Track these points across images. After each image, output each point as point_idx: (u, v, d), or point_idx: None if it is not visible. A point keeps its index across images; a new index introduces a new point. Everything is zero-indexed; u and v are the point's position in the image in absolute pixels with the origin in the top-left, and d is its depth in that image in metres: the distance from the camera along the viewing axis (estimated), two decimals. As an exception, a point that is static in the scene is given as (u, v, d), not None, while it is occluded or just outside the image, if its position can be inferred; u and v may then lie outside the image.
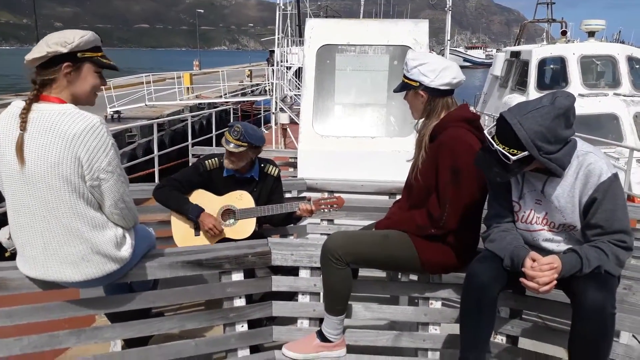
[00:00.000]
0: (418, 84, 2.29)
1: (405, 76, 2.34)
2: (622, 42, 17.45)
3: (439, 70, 2.27)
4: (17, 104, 1.95)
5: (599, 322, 1.84)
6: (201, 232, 3.13)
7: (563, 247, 2.06)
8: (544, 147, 1.86)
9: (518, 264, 1.97)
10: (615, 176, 1.94)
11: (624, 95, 10.18)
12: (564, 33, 14.08)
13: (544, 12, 19.48)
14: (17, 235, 2.01)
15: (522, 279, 1.94)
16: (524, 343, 2.37)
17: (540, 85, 11.36)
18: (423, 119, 2.37)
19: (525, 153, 1.86)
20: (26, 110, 1.88)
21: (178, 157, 10.45)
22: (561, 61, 11.26)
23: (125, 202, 2.06)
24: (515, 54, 13.04)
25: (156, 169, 7.74)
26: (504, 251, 2.04)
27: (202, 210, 3.05)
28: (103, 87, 2.12)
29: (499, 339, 2.34)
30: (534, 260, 1.94)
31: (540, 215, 2.08)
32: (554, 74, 11.71)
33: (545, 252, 2.05)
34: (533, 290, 1.93)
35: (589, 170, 1.94)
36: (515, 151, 1.87)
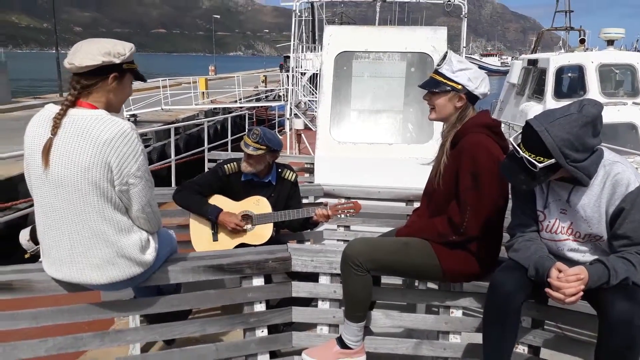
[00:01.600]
0: (461, 87, 2.28)
1: (445, 76, 2.29)
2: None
3: (480, 79, 2.29)
4: (51, 107, 1.98)
5: (627, 334, 1.81)
6: (219, 237, 3.15)
7: (588, 257, 2.04)
8: (571, 155, 1.85)
9: (543, 274, 1.95)
10: None
11: (644, 105, 10.06)
12: (582, 41, 13.96)
13: (562, 20, 19.33)
14: (44, 236, 2.04)
15: (547, 290, 1.91)
16: (545, 354, 2.35)
17: (558, 94, 11.27)
18: (448, 124, 2.36)
19: (552, 161, 1.85)
20: (61, 116, 1.92)
21: (193, 161, 10.51)
22: (579, 69, 11.17)
23: (151, 207, 2.09)
24: (533, 62, 12.96)
25: (173, 175, 7.80)
26: (528, 261, 2.03)
27: (220, 210, 3.08)
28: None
29: (521, 349, 2.32)
30: (560, 271, 1.91)
31: (565, 225, 2.07)
32: (571, 82, 11.62)
33: (570, 262, 2.04)
34: (559, 301, 1.91)
35: (616, 180, 1.93)
36: (542, 159, 1.86)
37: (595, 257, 2.02)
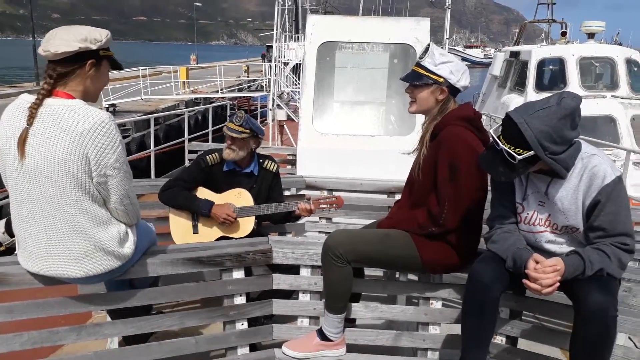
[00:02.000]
0: (443, 80, 2.28)
1: (427, 69, 2.29)
2: (621, 44, 17.52)
3: (462, 72, 2.29)
4: (26, 97, 1.93)
5: (602, 324, 1.85)
6: (200, 229, 3.13)
7: (565, 249, 2.07)
8: (550, 147, 1.87)
9: (520, 266, 1.98)
10: (619, 179, 1.95)
11: (622, 98, 10.22)
12: (563, 34, 14.12)
13: (544, 12, 19.50)
14: (19, 229, 2.00)
15: (525, 281, 1.94)
16: (523, 344, 2.38)
17: (539, 86, 11.38)
18: (429, 117, 2.35)
19: (531, 153, 1.87)
20: (37, 105, 1.87)
21: (173, 152, 10.41)
22: (560, 62, 11.29)
23: (130, 198, 2.06)
24: (515, 54, 13.06)
25: (152, 166, 7.71)
26: (506, 252, 2.05)
27: (213, 203, 3.05)
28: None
29: (499, 340, 2.35)
30: (537, 262, 1.94)
31: (543, 217, 2.09)
32: (552, 74, 11.74)
33: (547, 253, 2.06)
34: (536, 292, 1.93)
35: (593, 173, 1.95)
36: (521, 150, 1.88)
37: (572, 248, 2.05)
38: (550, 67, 11.77)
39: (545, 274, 1.89)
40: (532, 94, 11.36)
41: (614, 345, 1.96)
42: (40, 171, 1.87)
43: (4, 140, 1.91)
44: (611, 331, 1.87)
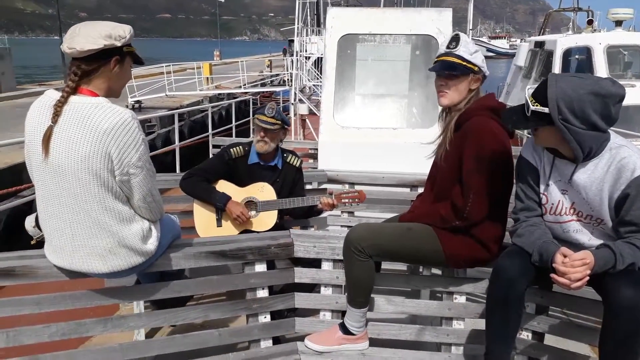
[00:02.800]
0: (478, 69, 2.25)
1: (463, 58, 2.23)
2: (651, 32, 16.98)
3: (484, 61, 2.30)
4: (51, 94, 1.95)
5: (632, 319, 1.79)
6: (223, 223, 3.15)
7: (595, 241, 2.01)
8: (566, 114, 1.82)
9: (547, 260, 1.93)
10: None
11: (651, 86, 9.92)
12: (590, 22, 13.76)
13: (570, 0, 19.00)
14: (45, 223, 2.03)
15: (553, 275, 1.89)
16: (550, 340, 2.33)
17: (566, 76, 11.10)
18: (456, 108, 2.29)
19: (546, 109, 1.83)
20: (62, 103, 1.88)
21: (197, 147, 10.53)
22: (587, 51, 11.02)
23: (153, 196, 2.07)
24: (540, 44, 12.79)
25: (177, 161, 7.80)
26: (532, 246, 2.01)
27: (229, 198, 3.07)
28: None
29: (525, 335, 2.31)
30: (565, 256, 1.89)
31: (568, 204, 2.04)
32: (579, 64, 11.46)
33: (576, 246, 2.01)
34: (564, 287, 1.88)
35: (622, 165, 1.88)
36: (538, 105, 1.85)
37: (601, 241, 1.99)
38: (577, 56, 11.50)
39: (573, 268, 1.84)
40: (558, 85, 11.08)
41: None
42: (64, 168, 1.89)
43: (30, 137, 1.94)
44: None
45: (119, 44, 1.94)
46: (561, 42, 11.54)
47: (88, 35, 1.90)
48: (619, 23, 12.10)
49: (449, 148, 2.27)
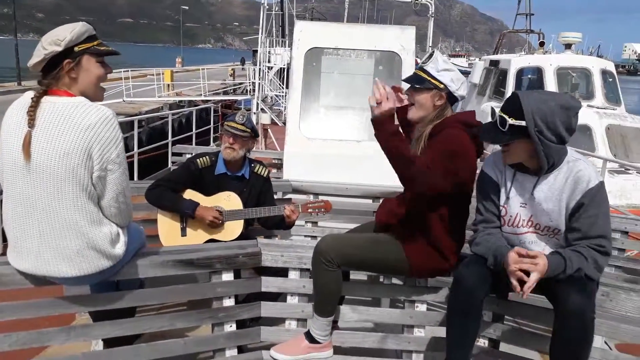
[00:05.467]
0: (444, 86, 2.33)
1: (430, 74, 2.33)
2: (601, 56, 18.00)
3: (461, 82, 2.35)
4: (31, 94, 1.96)
5: (580, 325, 1.92)
6: (188, 232, 3.14)
7: (548, 250, 2.14)
8: (541, 126, 1.96)
9: (501, 261, 2.05)
10: (602, 184, 2.04)
11: (597, 107, 10.49)
12: (541, 44, 14.48)
13: (524, 23, 19.90)
14: (12, 226, 2.00)
15: (509, 269, 1.99)
16: (504, 347, 2.44)
17: (518, 94, 11.59)
18: (424, 122, 2.36)
19: (522, 122, 1.97)
20: (33, 108, 1.89)
21: (156, 156, 10.35)
22: (538, 71, 11.57)
23: (125, 197, 2.08)
24: (494, 63, 13.32)
25: (135, 168, 7.67)
26: (488, 252, 2.13)
27: (198, 204, 3.07)
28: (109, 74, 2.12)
29: (482, 342, 2.41)
30: (519, 255, 2.01)
31: (526, 217, 2.17)
32: (530, 83, 12.01)
33: None
34: (517, 286, 1.97)
35: (578, 177, 2.04)
36: (514, 119, 1.98)
37: (550, 242, 2.14)
38: (529, 76, 12.04)
39: (524, 261, 1.98)
40: (511, 103, 11.54)
41: (591, 348, 2.04)
42: (41, 166, 1.88)
43: (5, 136, 1.94)
44: (589, 332, 1.94)
45: (59, 48, 1.92)
46: (515, 61, 12.07)
47: (37, 49, 1.93)
48: (568, 46, 12.78)
49: (423, 150, 2.31)
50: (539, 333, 2.42)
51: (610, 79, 11.73)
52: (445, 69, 2.33)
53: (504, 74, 12.29)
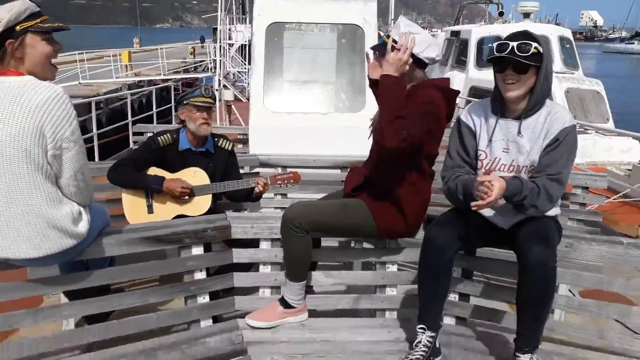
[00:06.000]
0: None
1: (394, 40, 2.28)
2: (559, 24, 18.35)
3: (427, 44, 2.32)
4: None
5: (542, 275, 2.00)
6: (155, 209, 3.09)
7: None
8: (549, 57, 2.13)
9: (469, 188, 2.12)
10: (575, 127, 2.15)
11: (556, 72, 10.74)
12: (501, 14, 14.68)
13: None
14: None
15: (477, 186, 2.04)
16: (474, 300, 2.52)
17: (479, 63, 11.79)
18: None
19: (540, 48, 2.09)
20: None
21: (117, 135, 10.08)
22: (498, 40, 11.68)
23: (84, 174, 2.02)
24: (456, 34, 13.44)
25: (95, 148, 7.48)
26: (459, 185, 2.20)
27: (164, 178, 3.01)
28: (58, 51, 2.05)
29: (453, 297, 2.48)
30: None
31: (507, 162, 2.22)
32: (491, 52, 12.16)
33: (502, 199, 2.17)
34: (483, 198, 2.00)
35: (556, 117, 2.14)
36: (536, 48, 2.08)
37: None
38: (490, 45, 12.18)
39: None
40: (473, 71, 11.77)
41: (555, 295, 2.13)
42: None
43: None
44: (550, 281, 2.02)
45: (0, 28, 1.86)
46: (475, 31, 12.21)
47: None
48: (526, 15, 12.98)
49: None
50: (507, 286, 2.51)
51: (568, 45, 12.00)
52: (407, 32, 2.30)
53: (465, 44, 12.44)
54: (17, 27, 1.89)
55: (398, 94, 2.13)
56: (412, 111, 2.17)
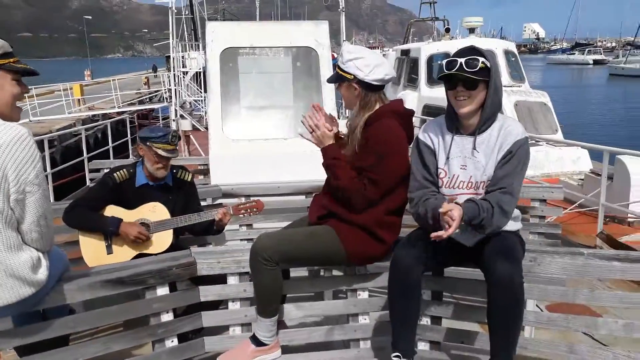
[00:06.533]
0: (352, 76, 2.35)
1: (339, 68, 2.38)
2: (504, 38, 19.11)
3: (373, 66, 2.34)
4: None
5: (510, 291, 2.02)
6: (114, 249, 2.98)
7: None
8: (496, 72, 2.17)
9: (436, 208, 2.15)
10: (527, 139, 2.20)
11: (504, 86, 11.08)
12: (447, 30, 15.17)
13: (429, 11, 20.73)
14: None
15: (443, 216, 2.07)
16: (446, 322, 2.52)
17: (431, 80, 12.09)
18: (355, 111, 2.41)
19: (488, 63, 2.12)
20: None
21: (73, 175, 9.77)
22: (447, 57, 12.00)
23: (46, 220, 1.94)
24: (405, 52, 13.76)
25: (50, 189, 7.20)
26: (428, 210, 2.21)
27: (121, 220, 2.91)
28: (26, 94, 1.99)
29: (424, 321, 2.47)
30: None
31: (465, 179, 2.25)
32: (441, 69, 12.48)
33: None
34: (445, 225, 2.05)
35: (509, 131, 2.19)
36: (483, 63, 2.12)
37: None
38: (439, 62, 12.54)
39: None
40: (425, 89, 12.07)
41: (524, 311, 2.15)
42: None
43: None
44: (519, 296, 2.04)
45: None
46: (424, 49, 12.54)
47: None
48: (472, 30, 13.45)
49: (360, 145, 2.34)
50: (477, 305, 2.52)
51: (513, 59, 12.47)
52: (350, 59, 2.35)
53: (415, 62, 12.73)
54: None
55: (337, 167, 2.34)
56: (371, 159, 2.27)
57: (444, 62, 2.19)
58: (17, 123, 1.89)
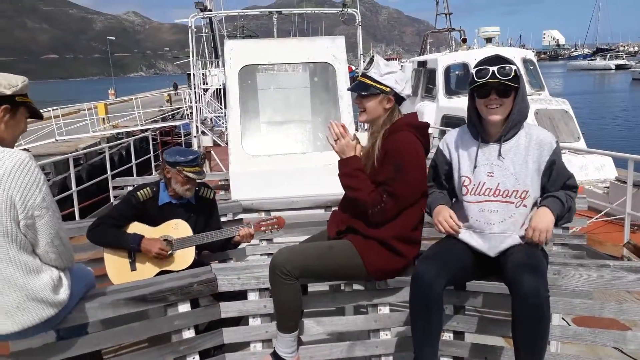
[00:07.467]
0: (389, 89, 2.36)
1: (374, 79, 2.36)
2: (523, 46, 18.95)
3: (405, 81, 2.40)
4: None
5: (536, 305, 1.98)
6: (138, 266, 3.02)
7: (502, 225, 2.23)
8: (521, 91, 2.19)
9: (431, 210, 2.29)
10: (558, 142, 2.28)
11: (524, 95, 10.99)
12: (464, 41, 15.08)
13: (445, 22, 20.69)
14: None
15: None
16: (469, 337, 2.48)
17: (448, 91, 12.03)
18: (377, 125, 2.42)
19: (516, 74, 2.14)
20: None
21: (98, 192, 9.95)
22: (464, 67, 12.01)
23: (61, 239, 1.97)
24: (422, 64, 13.73)
25: (76, 207, 7.35)
26: (430, 203, 2.38)
27: (142, 236, 2.95)
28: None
29: (447, 336, 2.44)
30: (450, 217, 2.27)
31: (492, 186, 2.25)
32: (458, 79, 12.45)
33: (487, 224, 2.25)
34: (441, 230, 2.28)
35: (541, 140, 2.21)
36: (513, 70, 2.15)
37: (510, 227, 2.23)
38: (457, 72, 12.49)
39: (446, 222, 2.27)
40: (443, 99, 12.00)
41: (550, 325, 2.10)
42: None
43: None
44: (545, 311, 2.00)
45: (8, 92, 1.88)
46: (441, 60, 12.49)
47: None
48: (489, 40, 13.37)
49: (379, 159, 2.35)
50: (501, 319, 2.47)
51: (532, 67, 12.34)
52: (389, 72, 2.37)
53: (432, 73, 12.69)
54: (17, 98, 1.93)
55: (359, 179, 2.35)
56: (389, 170, 2.28)
57: (473, 71, 2.20)
58: (31, 145, 1.95)
